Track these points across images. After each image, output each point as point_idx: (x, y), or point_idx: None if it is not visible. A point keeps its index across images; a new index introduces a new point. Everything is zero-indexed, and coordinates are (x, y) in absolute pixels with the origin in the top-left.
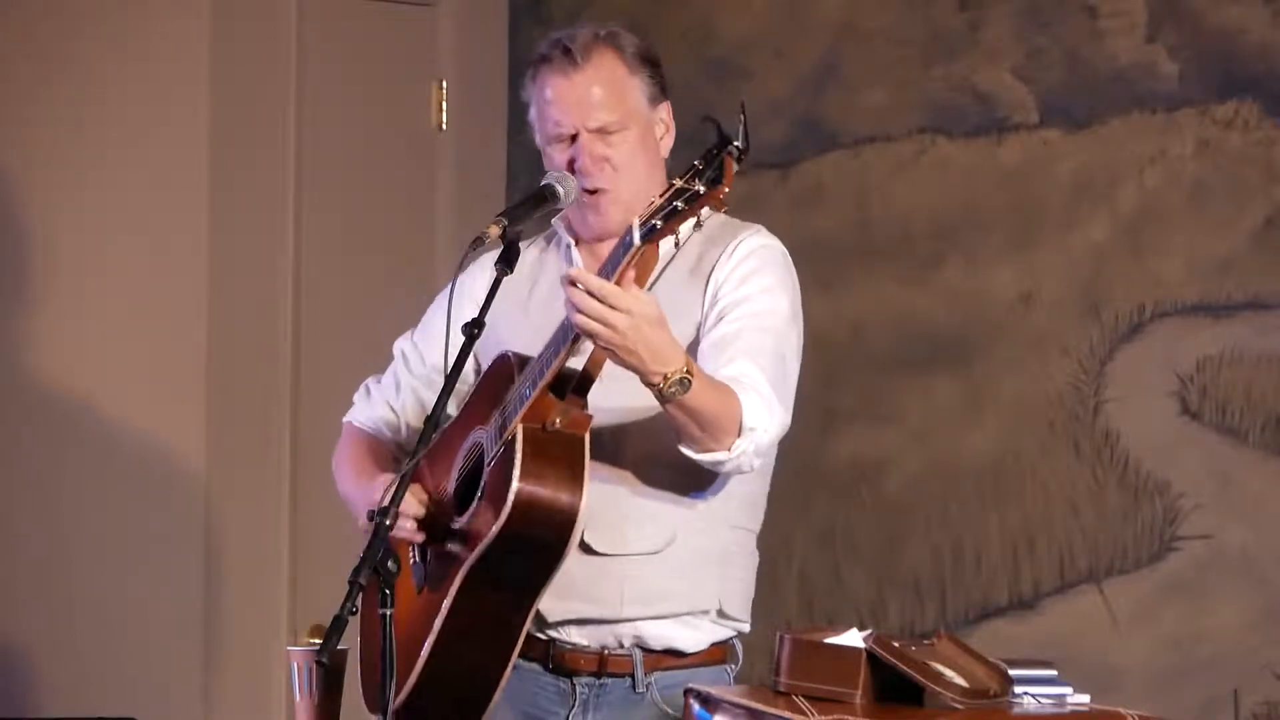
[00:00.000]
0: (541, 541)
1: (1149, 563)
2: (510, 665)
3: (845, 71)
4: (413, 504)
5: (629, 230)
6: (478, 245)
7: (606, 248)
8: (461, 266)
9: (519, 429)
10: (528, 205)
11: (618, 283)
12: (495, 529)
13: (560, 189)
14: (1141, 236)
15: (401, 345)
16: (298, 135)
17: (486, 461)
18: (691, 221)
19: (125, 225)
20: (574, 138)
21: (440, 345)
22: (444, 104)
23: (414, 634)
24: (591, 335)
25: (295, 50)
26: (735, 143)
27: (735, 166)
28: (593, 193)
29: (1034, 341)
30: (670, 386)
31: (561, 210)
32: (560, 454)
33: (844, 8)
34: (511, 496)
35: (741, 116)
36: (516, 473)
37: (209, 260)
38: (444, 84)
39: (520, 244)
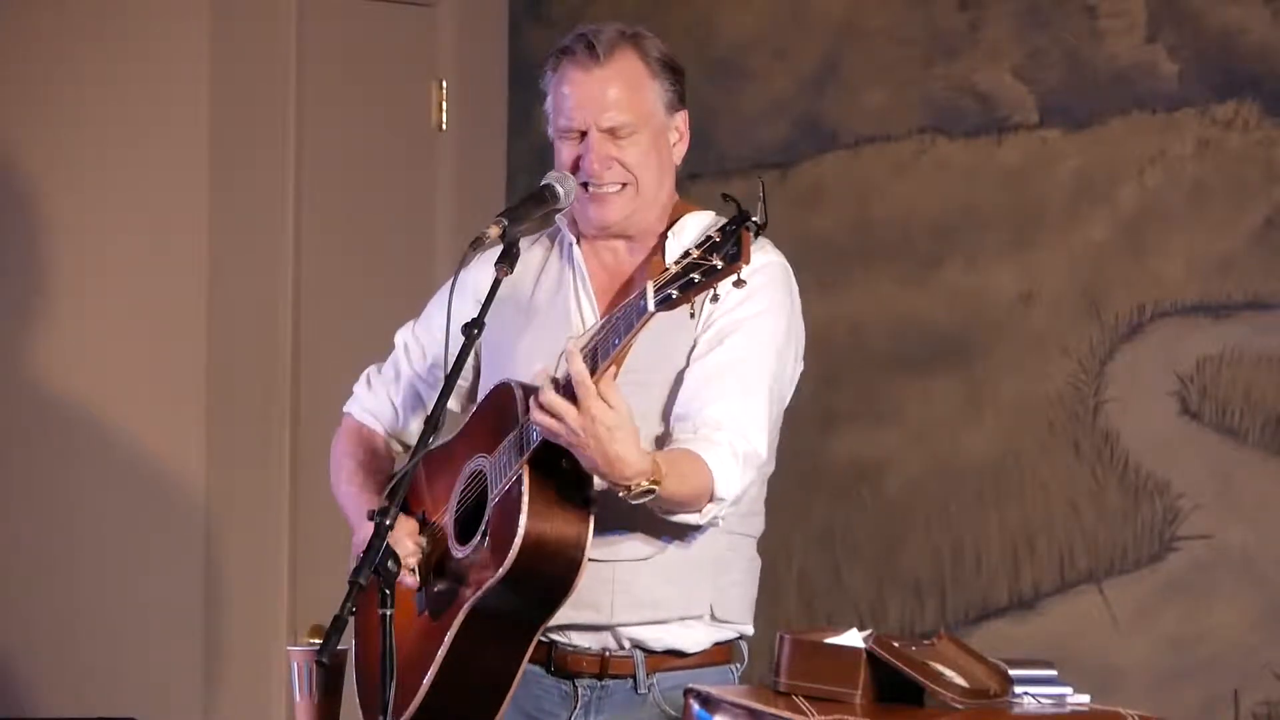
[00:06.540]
0: (549, 579)
1: (1149, 563)
2: (513, 690)
3: (845, 71)
4: (410, 546)
5: (642, 295)
6: (478, 245)
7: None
8: (461, 267)
9: (525, 469)
10: (527, 205)
11: (624, 352)
12: (503, 569)
13: (560, 189)
14: (1141, 236)
15: (403, 336)
16: (298, 135)
17: (491, 496)
18: (709, 294)
19: (125, 225)
20: (584, 135)
21: (440, 341)
22: (444, 104)
23: (415, 660)
24: (554, 439)
25: (295, 50)
26: (754, 218)
27: (753, 241)
28: (596, 189)
29: (1034, 341)
30: (634, 497)
31: (562, 210)
32: (567, 492)
33: (844, 7)
34: (519, 538)
35: (761, 194)
36: (524, 515)
37: (209, 260)
38: (444, 84)
39: (523, 241)
